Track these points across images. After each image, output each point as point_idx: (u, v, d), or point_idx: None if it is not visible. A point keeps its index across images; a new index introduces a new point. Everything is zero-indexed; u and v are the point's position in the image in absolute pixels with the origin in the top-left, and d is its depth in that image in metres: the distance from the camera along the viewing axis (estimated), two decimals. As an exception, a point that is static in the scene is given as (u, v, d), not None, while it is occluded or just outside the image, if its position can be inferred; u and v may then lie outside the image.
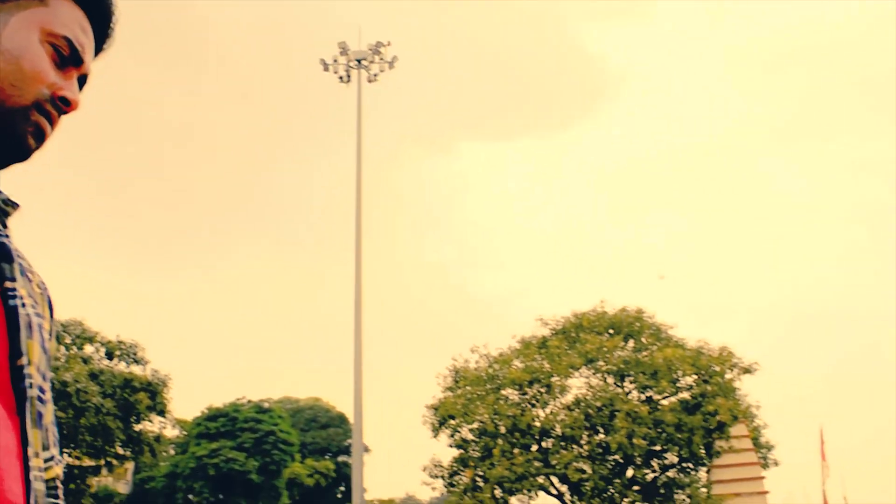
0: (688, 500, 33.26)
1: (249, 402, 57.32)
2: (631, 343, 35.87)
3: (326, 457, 73.17)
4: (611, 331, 36.08)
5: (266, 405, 58.94)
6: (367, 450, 59.10)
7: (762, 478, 36.17)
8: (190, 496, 52.80)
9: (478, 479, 33.81)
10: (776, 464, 38.73)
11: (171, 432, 54.42)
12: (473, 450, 34.73)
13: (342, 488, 71.55)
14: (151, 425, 44.14)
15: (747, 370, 34.74)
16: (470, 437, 34.88)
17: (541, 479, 33.86)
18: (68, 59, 1.42)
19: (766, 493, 35.72)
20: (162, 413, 43.77)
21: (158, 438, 46.13)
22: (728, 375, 34.23)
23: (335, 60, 35.85)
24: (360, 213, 32.65)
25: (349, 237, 32.50)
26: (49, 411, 1.38)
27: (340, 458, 72.91)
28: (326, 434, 74.07)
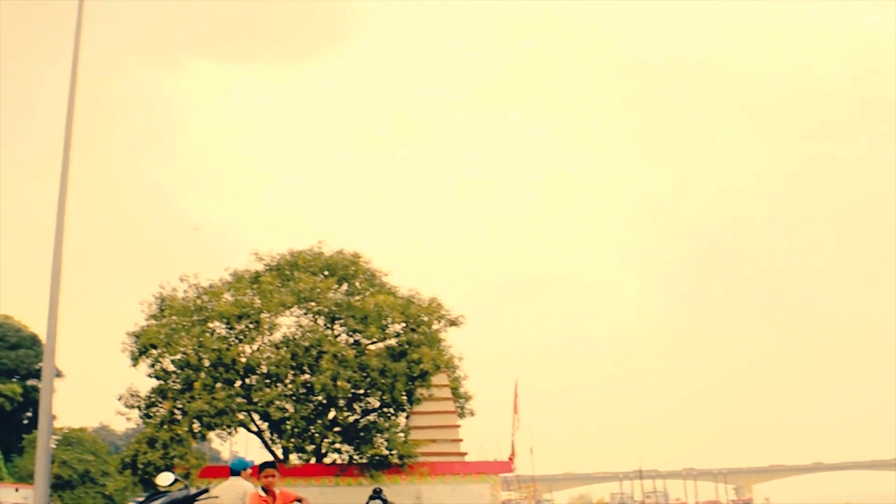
0: (385, 444, 34.01)
1: (-74, 314, 51.94)
2: (345, 286, 36.00)
3: (14, 379, 68.36)
4: (326, 272, 35.99)
5: (-54, 319, 53.68)
6: (59, 374, 55.57)
7: (458, 426, 37.74)
8: None
9: (176, 411, 32.76)
10: (472, 414, 40.52)
11: None
12: (174, 381, 33.56)
13: (29, 414, 67.49)
14: None
15: (454, 322, 36.07)
16: (171, 368, 33.66)
17: (241, 416, 33.44)
18: None
19: (460, 440, 37.33)
20: None
21: None
22: (435, 326, 35.33)
23: (57, -51, 32.54)
24: (72, 120, 29.85)
25: (57, 145, 29.71)
26: None
27: (30, 382, 68.31)
28: (15, 355, 69.13)
